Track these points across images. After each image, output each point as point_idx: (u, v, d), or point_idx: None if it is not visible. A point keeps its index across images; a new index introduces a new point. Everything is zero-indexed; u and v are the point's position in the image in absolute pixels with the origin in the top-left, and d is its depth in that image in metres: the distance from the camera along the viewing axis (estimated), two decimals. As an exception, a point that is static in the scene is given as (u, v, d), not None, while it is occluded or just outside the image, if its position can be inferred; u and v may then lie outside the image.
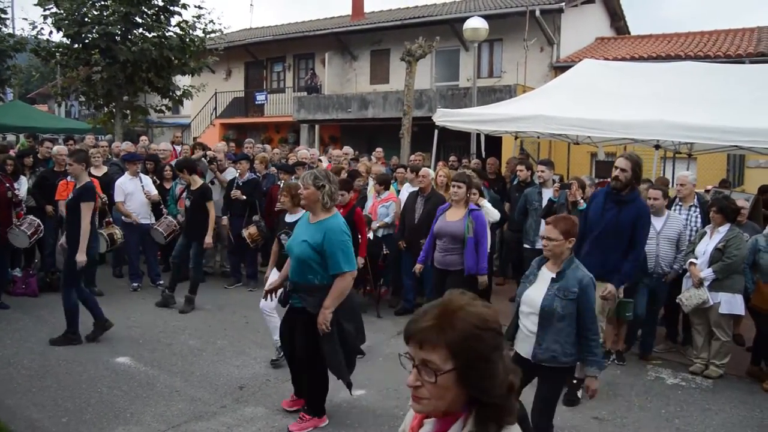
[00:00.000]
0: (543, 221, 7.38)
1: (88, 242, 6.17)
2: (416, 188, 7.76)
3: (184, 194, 8.92)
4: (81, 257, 6.09)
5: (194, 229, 7.71)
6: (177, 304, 7.72)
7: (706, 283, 5.85)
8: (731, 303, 5.82)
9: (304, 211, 5.81)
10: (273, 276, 5.79)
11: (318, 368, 4.52)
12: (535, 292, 3.78)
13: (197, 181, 7.83)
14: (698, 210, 6.72)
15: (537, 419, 3.74)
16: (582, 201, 6.22)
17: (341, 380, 4.50)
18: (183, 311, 7.54)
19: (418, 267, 6.56)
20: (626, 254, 5.20)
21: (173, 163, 9.86)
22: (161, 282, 8.78)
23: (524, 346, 3.80)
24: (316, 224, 4.40)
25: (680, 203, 6.84)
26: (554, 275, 3.76)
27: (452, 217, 6.16)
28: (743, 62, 14.11)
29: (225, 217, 8.88)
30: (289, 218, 5.85)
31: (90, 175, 8.67)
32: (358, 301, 4.69)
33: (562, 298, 3.67)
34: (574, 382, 5.08)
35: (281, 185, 8.59)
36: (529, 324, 3.78)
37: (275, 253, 5.97)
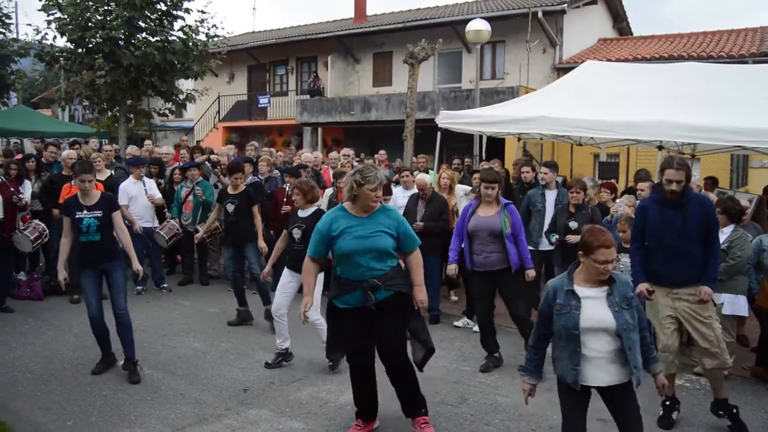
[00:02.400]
0: (546, 224, 7.39)
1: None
2: (410, 191, 7.74)
3: (190, 197, 8.98)
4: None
5: (244, 234, 7.30)
6: (251, 319, 7.36)
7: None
8: (734, 304, 5.80)
9: (314, 207, 5.86)
10: (287, 277, 5.80)
11: (410, 363, 4.47)
12: (597, 315, 3.41)
13: (240, 186, 7.45)
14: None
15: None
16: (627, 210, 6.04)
17: (425, 348, 4.49)
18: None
19: (453, 267, 6.12)
20: (706, 253, 4.83)
21: (177, 165, 9.91)
22: (165, 285, 8.82)
23: (601, 373, 3.46)
24: (374, 215, 4.34)
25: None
26: (606, 289, 3.46)
27: (486, 213, 5.92)
28: (746, 62, 14.10)
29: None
30: (302, 213, 5.87)
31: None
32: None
33: (626, 308, 3.42)
34: (667, 403, 4.88)
35: (286, 188, 8.64)
36: (603, 348, 3.43)
37: (279, 248, 6.00)
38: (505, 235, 5.79)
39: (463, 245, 6.03)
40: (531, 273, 5.96)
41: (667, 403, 4.89)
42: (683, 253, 4.80)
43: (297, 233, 5.75)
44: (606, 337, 3.42)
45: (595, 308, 3.43)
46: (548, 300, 3.58)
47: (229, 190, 7.47)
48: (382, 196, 4.43)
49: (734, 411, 4.78)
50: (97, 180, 8.65)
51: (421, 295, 4.37)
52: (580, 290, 3.48)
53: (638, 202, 7.20)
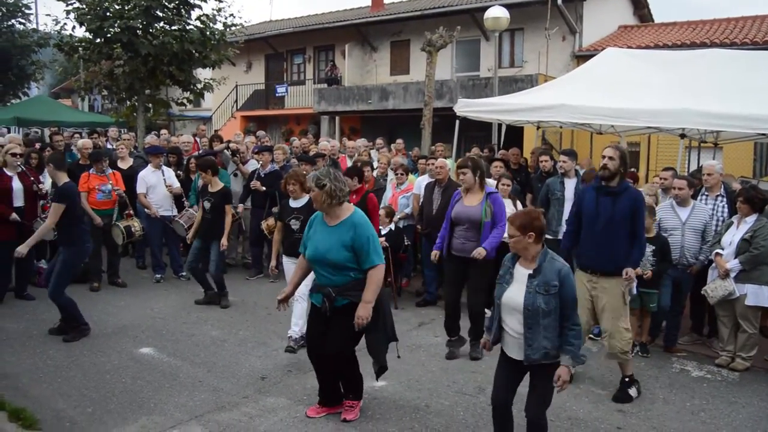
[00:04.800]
0: (565, 212, 7.33)
1: (82, 239, 6.39)
2: (433, 179, 7.67)
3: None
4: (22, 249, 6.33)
5: (214, 231, 7.54)
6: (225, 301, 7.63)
7: (733, 275, 5.75)
8: (758, 294, 5.71)
9: (306, 196, 5.90)
10: (289, 265, 5.82)
11: (355, 364, 4.59)
12: (515, 292, 3.70)
13: (218, 184, 7.67)
14: (725, 200, 6.60)
15: (536, 416, 3.71)
16: None
17: (378, 364, 4.51)
18: (225, 306, 7.50)
19: (434, 254, 6.20)
20: (631, 245, 5.05)
21: (195, 155, 9.94)
22: (183, 274, 8.86)
23: (513, 348, 3.76)
24: (339, 225, 4.39)
25: (706, 193, 6.72)
26: (530, 272, 3.66)
27: (470, 202, 5.96)
28: (771, 49, 13.80)
29: (241, 205, 8.92)
30: (294, 203, 5.97)
31: (116, 168, 8.81)
32: (385, 292, 4.64)
33: (544, 294, 3.58)
34: (626, 379, 5.06)
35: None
36: (514, 325, 3.71)
37: (277, 241, 6.04)
38: (483, 224, 5.82)
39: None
40: (481, 251, 5.73)
41: (626, 379, 5.06)
42: (606, 242, 5.00)
43: (295, 224, 5.89)
44: (517, 315, 3.69)
45: (516, 286, 3.71)
46: (501, 271, 3.90)
47: (209, 188, 7.62)
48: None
49: (626, 380, 5.09)
50: (119, 168, 8.83)
51: (362, 311, 4.27)
52: (517, 267, 3.77)
53: (660, 191, 7.14)
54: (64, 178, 6.28)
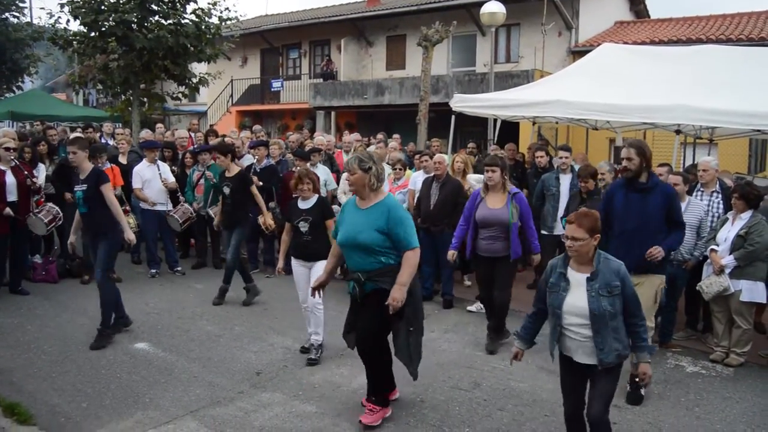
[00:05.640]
0: (561, 208, 7.35)
1: (113, 222, 6.05)
2: (430, 174, 7.66)
3: (202, 181, 8.97)
4: (129, 235, 6.15)
5: (237, 216, 7.49)
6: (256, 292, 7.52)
7: (727, 271, 5.77)
8: (753, 290, 5.73)
9: (315, 196, 5.83)
10: (298, 267, 5.76)
11: (385, 356, 4.50)
12: (576, 298, 3.55)
13: (235, 168, 7.60)
14: (720, 196, 6.61)
15: (602, 416, 3.61)
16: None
17: (409, 368, 4.43)
18: (218, 303, 7.36)
19: (451, 254, 6.22)
20: (668, 233, 5.03)
21: (190, 149, 9.91)
22: (179, 269, 8.85)
23: (580, 353, 3.62)
24: (372, 208, 4.34)
25: (702, 189, 6.73)
26: (588, 275, 3.54)
27: (494, 204, 5.87)
28: (767, 45, 13.83)
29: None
30: (302, 204, 5.80)
31: (116, 162, 8.77)
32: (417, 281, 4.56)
33: (607, 296, 3.49)
34: (636, 380, 4.87)
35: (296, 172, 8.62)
36: (581, 329, 3.57)
37: (286, 242, 5.92)
38: (511, 225, 5.80)
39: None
40: (536, 258, 6.08)
41: (636, 379, 4.88)
42: (639, 240, 4.92)
43: (304, 226, 5.67)
44: (582, 320, 3.55)
45: (576, 291, 3.57)
46: (546, 277, 3.75)
47: (226, 174, 7.58)
48: (349, 177, 4.37)
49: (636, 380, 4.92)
50: (120, 163, 8.81)
51: (396, 293, 4.15)
52: (571, 273, 3.62)
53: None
54: (89, 164, 6.27)
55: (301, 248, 5.70)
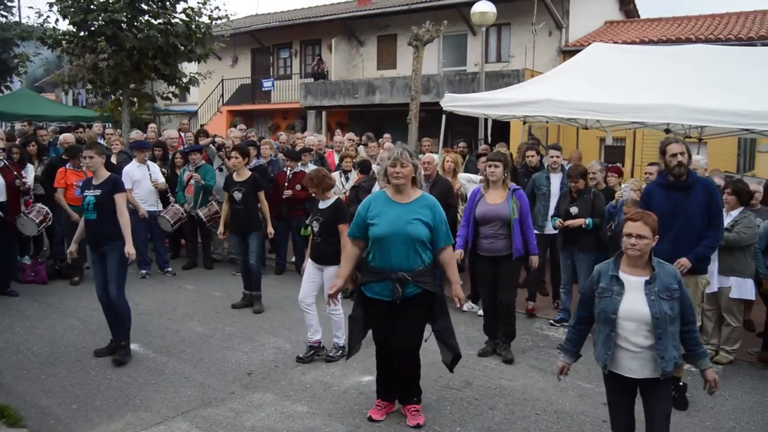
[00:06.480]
0: (551, 207, 7.35)
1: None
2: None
3: (192, 181, 8.93)
4: (130, 249, 5.54)
5: (251, 221, 7.31)
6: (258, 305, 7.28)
7: (714, 264, 5.76)
8: (742, 287, 5.77)
9: (334, 197, 5.72)
10: (310, 266, 5.69)
11: (419, 363, 4.55)
12: (634, 303, 3.35)
13: (246, 172, 7.34)
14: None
15: None
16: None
17: (452, 352, 4.47)
18: (258, 311, 7.12)
19: (458, 253, 5.77)
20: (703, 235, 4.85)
21: (180, 149, 9.87)
22: (169, 269, 8.82)
23: (631, 365, 3.39)
24: (413, 203, 4.30)
25: (691, 188, 6.75)
26: (647, 278, 3.37)
27: (494, 200, 5.77)
28: (755, 45, 13.93)
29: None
30: (321, 204, 5.67)
31: (108, 163, 8.66)
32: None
33: (668, 300, 3.32)
34: (681, 384, 4.83)
35: (287, 172, 8.60)
36: (634, 338, 3.35)
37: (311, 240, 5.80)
38: (512, 222, 5.72)
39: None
40: (534, 260, 5.97)
41: (681, 384, 4.84)
42: (687, 241, 4.79)
43: (315, 226, 5.61)
44: (640, 326, 3.35)
45: (633, 295, 3.38)
46: (591, 283, 3.56)
47: (235, 177, 7.34)
48: (401, 169, 4.21)
49: (680, 384, 4.85)
50: (111, 164, 8.70)
51: (459, 292, 4.43)
52: (625, 276, 3.42)
53: (644, 185, 7.17)
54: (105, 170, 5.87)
55: (313, 248, 5.67)
